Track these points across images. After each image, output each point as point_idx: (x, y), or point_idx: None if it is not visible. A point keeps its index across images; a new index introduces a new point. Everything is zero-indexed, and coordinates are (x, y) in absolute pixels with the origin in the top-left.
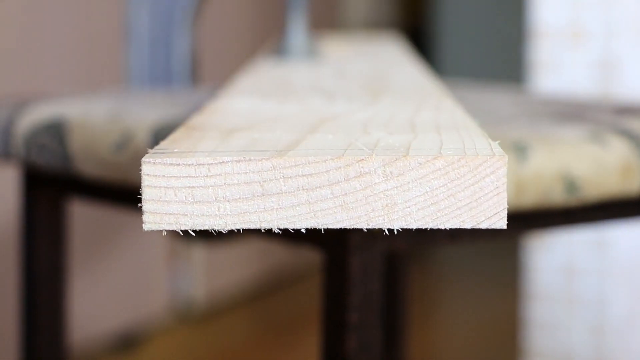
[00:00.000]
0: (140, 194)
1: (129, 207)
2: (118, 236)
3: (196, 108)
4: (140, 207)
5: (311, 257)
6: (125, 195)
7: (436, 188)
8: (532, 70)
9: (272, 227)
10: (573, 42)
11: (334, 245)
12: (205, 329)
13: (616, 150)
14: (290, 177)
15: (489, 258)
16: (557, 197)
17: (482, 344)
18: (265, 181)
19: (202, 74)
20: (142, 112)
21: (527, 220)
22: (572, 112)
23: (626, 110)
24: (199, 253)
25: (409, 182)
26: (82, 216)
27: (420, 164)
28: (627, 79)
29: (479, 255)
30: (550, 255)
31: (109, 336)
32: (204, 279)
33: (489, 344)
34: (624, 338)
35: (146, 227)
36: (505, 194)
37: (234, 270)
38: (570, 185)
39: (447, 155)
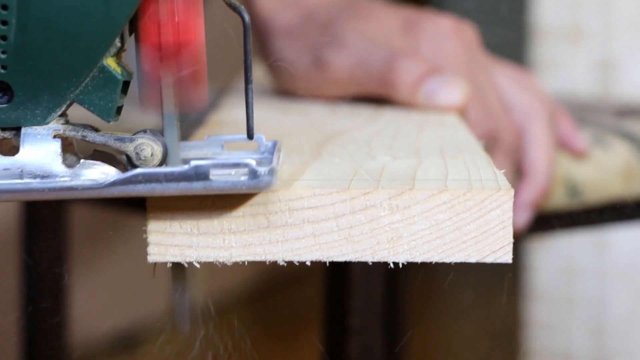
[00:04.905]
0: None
1: (129, 208)
2: (118, 236)
3: (198, 114)
4: (146, 235)
5: None
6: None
7: (442, 221)
8: (532, 70)
9: (277, 259)
10: (573, 42)
11: None
12: (205, 329)
13: (618, 154)
14: (296, 210)
15: None
16: (559, 200)
17: (482, 344)
18: (271, 213)
19: None
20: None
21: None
22: (573, 115)
23: (627, 112)
24: None
25: (414, 216)
26: (82, 216)
27: (426, 197)
28: (626, 79)
29: None
30: (551, 255)
31: (109, 336)
32: (204, 279)
33: (489, 344)
34: (624, 338)
35: (151, 258)
36: (511, 228)
37: (234, 270)
38: (572, 189)
39: (452, 188)
